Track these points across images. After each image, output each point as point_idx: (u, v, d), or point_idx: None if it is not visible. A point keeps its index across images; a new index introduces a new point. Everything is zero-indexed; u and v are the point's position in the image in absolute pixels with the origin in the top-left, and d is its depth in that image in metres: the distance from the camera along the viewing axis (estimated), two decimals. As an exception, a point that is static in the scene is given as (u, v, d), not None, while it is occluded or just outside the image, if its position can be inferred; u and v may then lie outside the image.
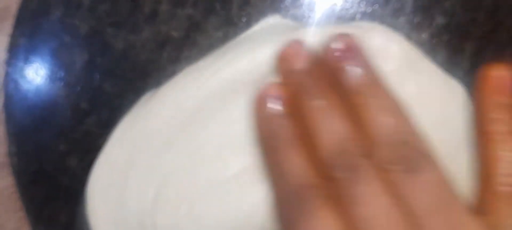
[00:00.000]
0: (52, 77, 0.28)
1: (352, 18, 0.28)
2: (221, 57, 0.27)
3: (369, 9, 0.28)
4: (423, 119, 0.25)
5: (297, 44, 0.26)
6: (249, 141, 0.26)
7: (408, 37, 0.27)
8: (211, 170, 0.26)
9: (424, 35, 0.28)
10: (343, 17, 0.28)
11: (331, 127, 0.23)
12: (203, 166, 0.26)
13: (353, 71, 0.25)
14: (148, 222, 0.26)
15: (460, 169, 0.26)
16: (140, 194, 0.27)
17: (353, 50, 0.25)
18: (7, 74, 0.28)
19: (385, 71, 0.26)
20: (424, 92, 0.26)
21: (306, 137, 0.24)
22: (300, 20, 0.28)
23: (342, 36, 0.25)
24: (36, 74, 0.28)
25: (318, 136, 0.23)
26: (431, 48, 0.27)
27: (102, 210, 0.28)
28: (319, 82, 0.25)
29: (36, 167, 0.28)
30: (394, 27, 0.28)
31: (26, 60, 0.28)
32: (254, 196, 0.26)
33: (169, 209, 0.26)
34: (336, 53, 0.25)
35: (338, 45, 0.25)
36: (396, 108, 0.24)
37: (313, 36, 0.26)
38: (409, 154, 0.23)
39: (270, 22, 0.28)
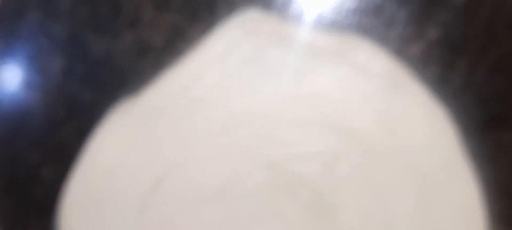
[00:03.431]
0: (28, 84, 0.27)
1: (342, 28, 0.27)
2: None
3: (360, 20, 0.28)
4: (404, 144, 0.26)
5: None
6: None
7: (399, 51, 0.27)
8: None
9: (416, 50, 0.27)
10: (333, 26, 0.27)
11: None
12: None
13: None
14: None
15: (440, 197, 0.26)
16: (121, 210, 0.26)
17: None
18: (-19, 79, 0.28)
19: (367, 92, 0.26)
20: (407, 116, 0.26)
21: None
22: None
23: None
24: (11, 80, 0.28)
25: None
26: (423, 63, 0.27)
27: (78, 225, 0.27)
28: None
29: (8, 177, 0.27)
30: (385, 40, 0.27)
31: (2, 65, 0.28)
32: None
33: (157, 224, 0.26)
34: None
35: None
36: None
37: (295, 40, 0.26)
38: None
39: (248, 17, 0.28)
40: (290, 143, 0.26)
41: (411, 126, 0.26)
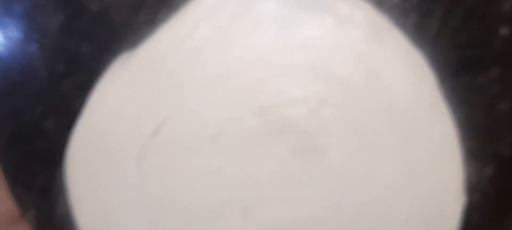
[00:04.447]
0: (26, 39, 0.28)
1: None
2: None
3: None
4: (386, 86, 0.27)
5: None
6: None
7: (379, 1, 0.28)
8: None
9: (396, -1, 0.28)
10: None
11: None
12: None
13: None
14: (131, 182, 0.27)
15: (420, 135, 0.27)
16: (122, 157, 0.28)
17: None
18: (-21, 37, 0.28)
19: (350, 40, 0.27)
20: (388, 61, 0.27)
21: None
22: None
23: None
24: (9, 36, 0.28)
25: None
26: (401, 11, 0.28)
27: (82, 174, 0.28)
28: None
29: (12, 130, 0.28)
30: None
31: (0, 21, 0.28)
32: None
33: (156, 169, 0.28)
34: None
35: None
36: None
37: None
38: None
39: None
40: (279, 90, 0.27)
41: (392, 70, 0.27)
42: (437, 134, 0.28)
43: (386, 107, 0.27)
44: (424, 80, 0.28)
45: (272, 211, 0.28)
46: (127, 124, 0.27)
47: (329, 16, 0.28)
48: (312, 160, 0.27)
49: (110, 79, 0.27)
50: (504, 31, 0.27)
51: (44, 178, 0.29)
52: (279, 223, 0.28)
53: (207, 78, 0.27)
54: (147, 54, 0.27)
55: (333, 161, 0.27)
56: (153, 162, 0.28)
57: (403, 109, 0.27)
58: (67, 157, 0.28)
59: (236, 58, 0.27)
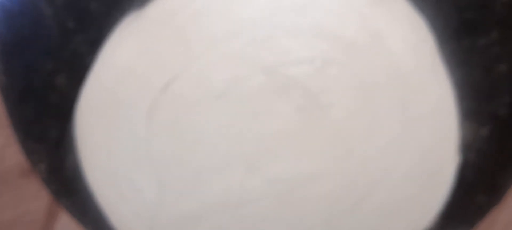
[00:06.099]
0: None
1: None
2: None
3: None
4: (387, 48, 0.27)
5: None
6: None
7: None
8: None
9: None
10: None
11: None
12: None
13: None
14: (140, 136, 0.28)
15: (418, 96, 0.28)
16: (132, 112, 0.28)
17: None
18: (-10, -7, 0.28)
19: (355, 2, 0.27)
20: (390, 24, 0.28)
21: None
22: None
23: None
24: None
25: None
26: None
27: (92, 128, 0.29)
28: None
29: (24, 84, 0.29)
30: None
31: (9, -22, 0.28)
32: None
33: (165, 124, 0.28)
34: None
35: None
36: None
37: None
38: None
39: None
40: (285, 49, 0.28)
41: (394, 32, 0.28)
42: (435, 94, 0.28)
43: (387, 67, 0.28)
44: (424, 43, 0.28)
45: (276, 166, 0.29)
46: (136, 80, 0.28)
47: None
48: (316, 117, 0.28)
49: (120, 36, 0.28)
50: (504, -4, 0.28)
51: (55, 132, 0.29)
52: (282, 177, 0.29)
53: (214, 37, 0.28)
54: (156, 12, 0.28)
55: (336, 118, 0.28)
56: (161, 117, 0.28)
57: (403, 70, 0.28)
58: (77, 111, 0.29)
59: (243, 18, 0.28)
